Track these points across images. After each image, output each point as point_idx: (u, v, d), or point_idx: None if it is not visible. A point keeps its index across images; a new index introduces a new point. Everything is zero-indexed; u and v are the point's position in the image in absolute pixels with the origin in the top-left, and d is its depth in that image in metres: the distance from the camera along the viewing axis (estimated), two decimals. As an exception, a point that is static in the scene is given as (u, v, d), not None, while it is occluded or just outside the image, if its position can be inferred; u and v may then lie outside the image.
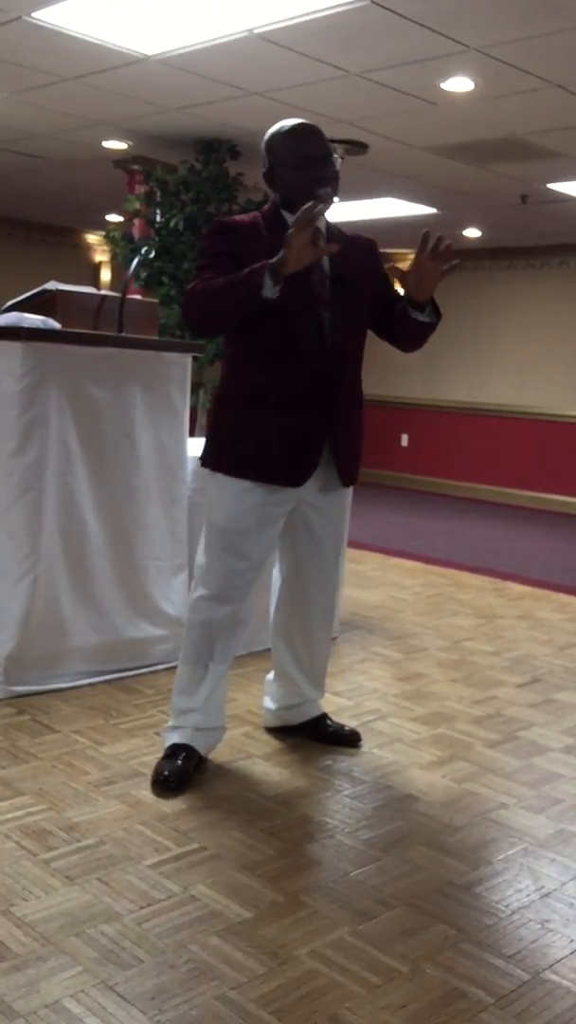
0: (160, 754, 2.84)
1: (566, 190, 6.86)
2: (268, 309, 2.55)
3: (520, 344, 9.72)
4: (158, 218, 6.44)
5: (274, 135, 2.74)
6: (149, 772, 2.82)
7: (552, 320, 9.49)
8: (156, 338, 3.78)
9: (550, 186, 6.76)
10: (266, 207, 2.79)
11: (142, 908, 2.13)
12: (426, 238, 2.61)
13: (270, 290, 2.50)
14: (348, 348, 2.79)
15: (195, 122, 5.74)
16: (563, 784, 2.95)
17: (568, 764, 3.12)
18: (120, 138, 6.21)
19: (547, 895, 2.30)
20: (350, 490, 2.99)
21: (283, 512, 2.80)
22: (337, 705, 3.51)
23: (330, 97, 5.05)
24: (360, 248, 2.88)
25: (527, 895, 2.30)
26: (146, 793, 2.68)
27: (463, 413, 10.16)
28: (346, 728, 3.18)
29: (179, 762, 2.77)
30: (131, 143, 6.31)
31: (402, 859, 2.43)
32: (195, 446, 3.91)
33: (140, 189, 6.60)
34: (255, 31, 4.21)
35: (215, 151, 6.16)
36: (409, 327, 2.81)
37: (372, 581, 5.68)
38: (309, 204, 2.46)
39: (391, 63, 4.47)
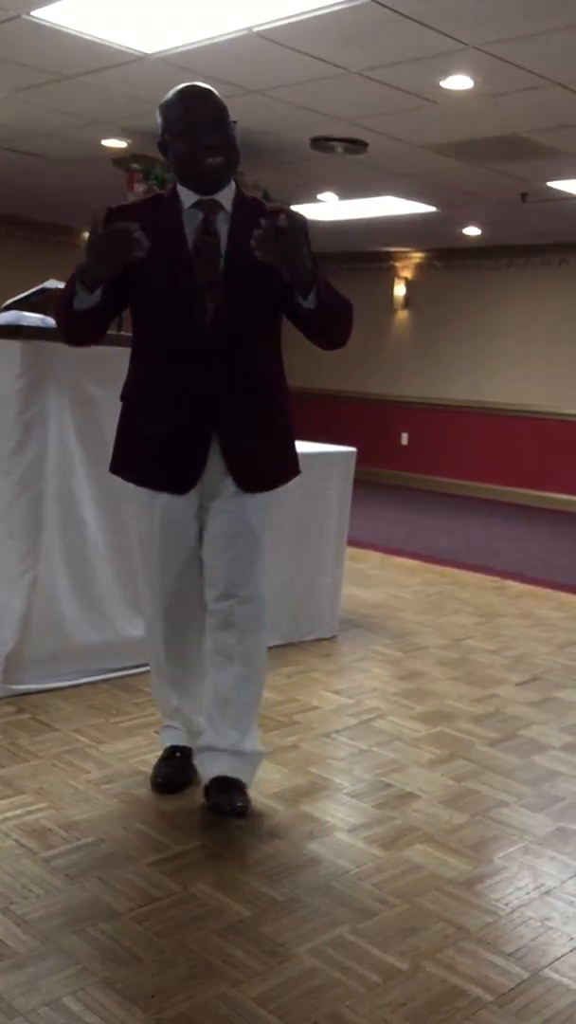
0: (160, 752, 2.84)
1: (566, 188, 6.86)
2: (145, 295, 2.41)
3: (520, 342, 9.72)
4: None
5: (164, 101, 2.49)
6: (149, 771, 2.82)
7: (552, 318, 9.48)
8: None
9: (550, 184, 6.75)
10: (170, 186, 2.56)
11: (142, 906, 2.13)
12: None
13: (87, 299, 2.34)
14: (240, 337, 2.47)
15: (194, 121, 5.73)
16: (563, 782, 2.95)
17: (568, 762, 3.11)
18: (119, 136, 6.21)
19: (547, 893, 2.30)
20: (264, 497, 2.55)
21: (190, 515, 2.53)
22: (336, 704, 3.51)
23: (329, 95, 5.04)
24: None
25: (527, 893, 2.30)
26: (146, 791, 2.68)
27: (463, 411, 10.16)
28: (227, 808, 2.51)
29: (177, 764, 2.74)
30: (130, 141, 6.30)
31: (402, 857, 2.43)
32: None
33: (139, 187, 6.59)
34: (254, 29, 4.20)
35: (215, 149, 6.15)
36: (300, 314, 2.46)
37: (372, 580, 5.68)
38: (122, 225, 2.24)
39: (390, 61, 4.47)
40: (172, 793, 2.69)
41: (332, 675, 3.85)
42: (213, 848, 2.41)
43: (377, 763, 3.02)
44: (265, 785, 2.79)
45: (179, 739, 2.77)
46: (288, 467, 2.66)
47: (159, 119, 2.49)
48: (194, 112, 2.44)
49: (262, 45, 4.37)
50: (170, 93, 2.50)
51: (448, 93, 4.86)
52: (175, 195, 2.51)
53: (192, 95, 2.47)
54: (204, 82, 5.06)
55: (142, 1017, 1.77)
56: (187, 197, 2.49)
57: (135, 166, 6.63)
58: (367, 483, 9.01)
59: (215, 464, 2.48)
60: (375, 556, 6.41)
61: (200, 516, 2.55)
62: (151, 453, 2.51)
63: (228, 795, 2.51)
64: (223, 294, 2.43)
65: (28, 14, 4.18)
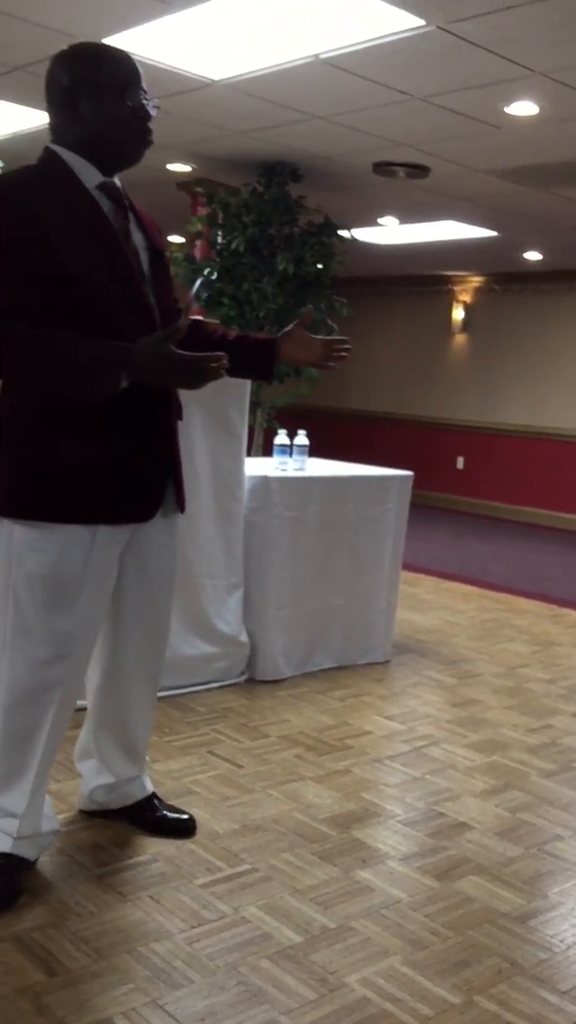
0: (208, 772, 2.84)
1: (630, 214, 6.80)
2: (75, 288, 2.00)
3: (580, 368, 9.63)
4: (219, 240, 6.50)
5: (78, 51, 2.09)
6: (201, 790, 2.82)
7: (613, 344, 9.38)
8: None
9: (613, 210, 6.70)
10: (39, 160, 2.11)
11: (193, 928, 2.13)
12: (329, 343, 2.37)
13: (107, 389, 2.00)
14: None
15: (259, 145, 5.80)
16: (620, 817, 2.90)
17: (626, 797, 3.05)
18: (185, 161, 6.30)
19: (604, 931, 2.26)
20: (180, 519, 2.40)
21: (118, 553, 2.21)
22: (389, 730, 3.49)
23: (393, 121, 5.07)
24: (153, 223, 2.32)
25: (583, 930, 2.25)
26: (198, 811, 2.68)
27: (520, 436, 10.07)
28: (171, 816, 2.55)
29: (4, 876, 2.17)
30: (195, 166, 6.39)
31: (455, 888, 2.40)
32: (252, 466, 3.95)
33: (203, 211, 6.68)
34: (321, 56, 4.24)
35: (277, 174, 6.21)
36: (244, 372, 2.43)
37: (426, 604, 5.65)
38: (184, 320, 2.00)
39: (455, 88, 4.48)
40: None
41: (385, 700, 3.83)
42: (264, 871, 2.40)
43: (430, 791, 2.99)
44: (317, 809, 2.78)
45: (3, 844, 2.20)
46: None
47: (64, 67, 2.07)
48: (135, 72, 2.09)
49: (328, 72, 4.41)
50: (79, 45, 2.13)
51: (512, 119, 4.86)
52: (67, 170, 2.08)
53: (125, 53, 2.11)
54: (269, 107, 4.99)
55: (192, 1040, 1.77)
56: (87, 175, 2.10)
57: (199, 190, 6.72)
58: (421, 506, 8.96)
59: (168, 482, 2.27)
60: (429, 580, 6.37)
61: (126, 548, 2.24)
62: (107, 485, 2.11)
63: (160, 814, 2.55)
64: (156, 293, 2.18)
65: (100, 41, 4.28)
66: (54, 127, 2.13)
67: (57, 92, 2.08)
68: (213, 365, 2.00)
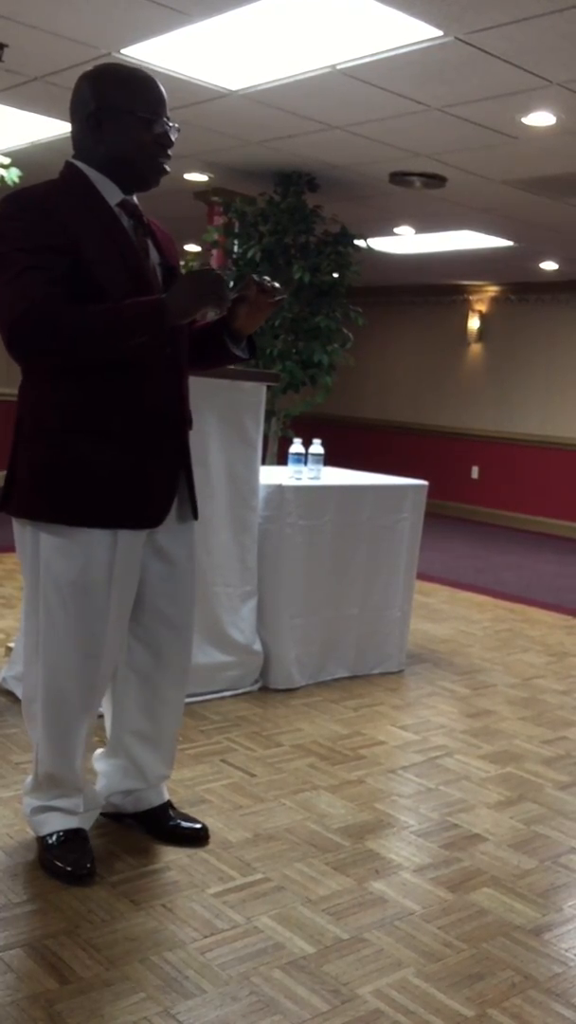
0: (221, 781, 2.82)
1: None
2: (101, 299, 2.08)
3: (596, 378, 9.59)
4: (236, 249, 6.52)
5: (109, 73, 2.15)
6: (214, 799, 2.82)
7: (629, 354, 9.34)
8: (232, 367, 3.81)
9: (630, 220, 6.69)
10: (61, 175, 2.21)
11: (206, 937, 2.13)
12: (251, 281, 2.24)
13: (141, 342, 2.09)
14: (184, 353, 2.30)
15: (275, 155, 5.82)
16: None
17: None
18: (201, 170, 6.32)
19: (619, 945, 2.24)
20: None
21: (139, 557, 2.28)
22: (403, 740, 3.48)
23: (410, 131, 5.07)
24: (168, 238, 2.39)
25: (598, 944, 2.24)
26: (211, 820, 2.68)
27: (535, 446, 10.05)
28: (184, 825, 2.56)
29: (85, 846, 2.37)
30: (212, 175, 6.41)
31: (468, 900, 2.39)
32: (266, 474, 3.95)
33: (219, 220, 6.71)
34: (338, 67, 4.26)
35: (294, 183, 6.23)
36: (219, 357, 2.38)
37: (440, 614, 5.63)
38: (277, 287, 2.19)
39: (472, 98, 4.48)
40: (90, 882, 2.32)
41: (399, 710, 3.82)
42: (277, 881, 2.40)
43: (444, 802, 2.97)
44: (330, 819, 2.77)
45: (71, 822, 2.38)
46: None
47: (90, 89, 2.14)
48: (162, 101, 2.16)
49: (345, 82, 4.43)
50: (110, 67, 2.18)
51: (529, 129, 4.86)
52: (90, 185, 2.17)
53: (152, 79, 2.17)
54: (286, 117, 4.99)
55: (204, 1050, 1.76)
56: (109, 192, 2.19)
57: (216, 199, 6.75)
58: (436, 516, 8.95)
59: (181, 487, 2.35)
60: (443, 590, 6.35)
61: (145, 553, 2.31)
62: (121, 485, 2.18)
63: (174, 823, 2.57)
64: None
65: (118, 52, 4.31)
66: (77, 143, 2.22)
67: (84, 112, 2.16)
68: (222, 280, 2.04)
